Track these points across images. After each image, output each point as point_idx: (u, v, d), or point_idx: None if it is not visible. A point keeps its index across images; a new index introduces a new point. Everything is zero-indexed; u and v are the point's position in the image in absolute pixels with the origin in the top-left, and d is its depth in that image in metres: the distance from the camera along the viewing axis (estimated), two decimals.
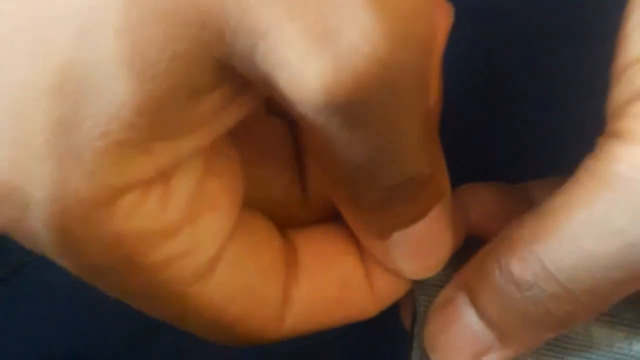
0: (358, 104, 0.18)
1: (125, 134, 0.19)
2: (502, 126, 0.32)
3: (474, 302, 0.24)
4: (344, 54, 0.17)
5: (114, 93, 0.18)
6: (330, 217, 0.26)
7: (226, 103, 0.20)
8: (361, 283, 0.25)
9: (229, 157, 0.23)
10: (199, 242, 0.22)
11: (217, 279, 0.22)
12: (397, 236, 0.24)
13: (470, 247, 0.25)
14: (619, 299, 0.23)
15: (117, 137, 0.19)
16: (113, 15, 0.17)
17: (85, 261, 0.21)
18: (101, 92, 0.18)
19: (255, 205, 0.24)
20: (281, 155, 0.25)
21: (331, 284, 0.25)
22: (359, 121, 0.19)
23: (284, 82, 0.18)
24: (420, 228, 0.23)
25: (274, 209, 0.25)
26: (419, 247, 0.24)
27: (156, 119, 0.19)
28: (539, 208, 0.23)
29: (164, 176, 0.21)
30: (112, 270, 0.21)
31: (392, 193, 0.22)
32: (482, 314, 0.24)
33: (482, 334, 0.24)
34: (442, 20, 0.22)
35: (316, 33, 0.17)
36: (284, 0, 0.17)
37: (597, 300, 0.22)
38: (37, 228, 0.20)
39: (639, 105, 0.21)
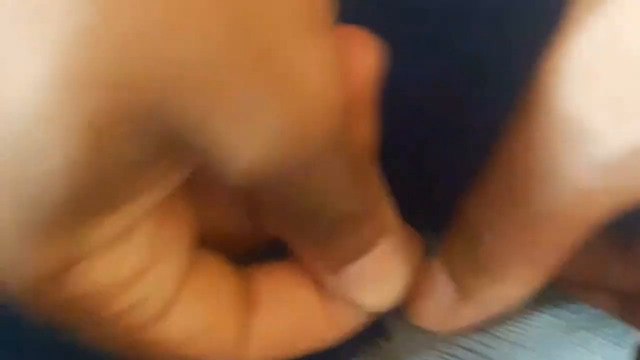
0: (279, 176, 0.20)
1: (68, 208, 0.19)
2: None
3: (443, 256, 0.25)
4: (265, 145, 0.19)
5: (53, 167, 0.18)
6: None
7: (171, 169, 0.21)
8: (319, 317, 0.26)
9: (184, 204, 0.24)
10: (155, 288, 0.22)
11: (173, 321, 0.23)
12: (350, 270, 0.24)
13: None
14: None
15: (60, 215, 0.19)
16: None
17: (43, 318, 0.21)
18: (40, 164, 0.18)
19: (209, 242, 0.25)
20: (227, 193, 0.26)
21: (290, 320, 0.25)
22: (286, 185, 0.20)
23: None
24: (370, 262, 0.24)
25: (226, 243, 0.25)
26: (371, 280, 0.24)
27: (100, 189, 0.19)
28: None
29: (118, 238, 0.21)
30: (71, 325, 0.22)
31: (332, 229, 0.22)
32: (446, 262, 0.25)
33: (444, 284, 0.25)
34: (366, 55, 0.23)
35: (240, 124, 0.19)
36: (223, 109, 0.18)
37: (528, 234, 0.23)
38: None
39: None
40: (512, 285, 0.24)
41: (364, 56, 0.23)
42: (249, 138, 0.19)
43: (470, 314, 0.25)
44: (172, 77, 0.18)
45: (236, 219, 0.26)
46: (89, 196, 0.19)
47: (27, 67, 0.17)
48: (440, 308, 0.25)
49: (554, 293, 0.26)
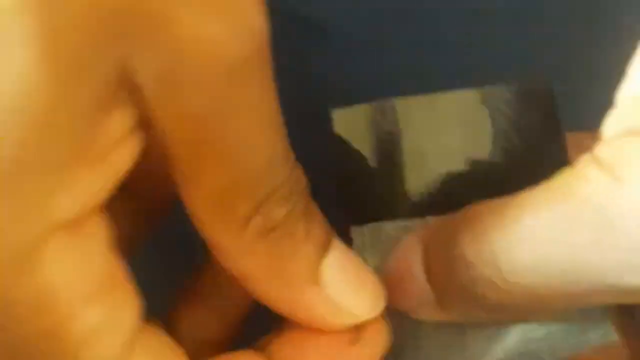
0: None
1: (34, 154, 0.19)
2: None
3: (426, 262, 0.25)
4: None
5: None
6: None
7: (124, 135, 0.21)
8: None
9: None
10: (116, 318, 0.21)
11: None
12: (328, 274, 0.23)
13: None
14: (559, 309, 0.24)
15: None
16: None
17: (8, 335, 0.20)
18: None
19: None
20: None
21: None
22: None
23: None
24: (337, 258, 0.24)
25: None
26: (354, 279, 0.24)
27: (63, 132, 0.19)
28: (509, 197, 0.23)
29: (78, 226, 0.20)
30: (35, 348, 0.20)
31: (271, 215, 0.22)
32: (429, 271, 0.25)
33: (424, 291, 0.25)
34: None
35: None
36: None
37: (530, 302, 0.23)
38: None
39: (628, 142, 0.22)
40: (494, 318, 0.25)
41: None
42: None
43: (444, 316, 0.25)
44: None
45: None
46: (49, 140, 0.19)
47: None
48: (417, 305, 0.25)
49: None
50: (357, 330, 0.24)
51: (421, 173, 0.26)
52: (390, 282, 0.25)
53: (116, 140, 0.21)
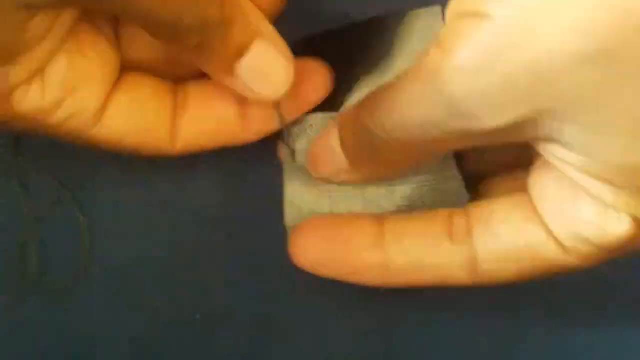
0: None
1: None
2: None
3: (340, 135, 0.33)
4: None
5: None
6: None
7: (56, 14, 0.29)
8: (235, 118, 0.34)
9: (97, 41, 0.32)
10: (81, 106, 0.32)
11: (107, 124, 0.32)
12: (240, 70, 0.32)
13: None
14: (426, 154, 0.32)
15: None
16: None
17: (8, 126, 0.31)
18: None
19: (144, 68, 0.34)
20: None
21: (210, 121, 0.34)
22: None
23: None
24: (252, 60, 0.32)
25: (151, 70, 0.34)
26: (259, 74, 0.32)
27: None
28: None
29: (39, 72, 0.30)
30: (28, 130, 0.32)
31: (204, 36, 0.30)
32: (342, 142, 0.33)
33: (339, 157, 0.34)
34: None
35: None
36: None
37: (405, 147, 0.30)
38: None
39: (456, 22, 0.27)
40: (391, 172, 0.34)
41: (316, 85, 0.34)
42: None
43: (357, 177, 0.34)
44: None
45: (155, 51, 0.34)
46: None
47: None
48: (335, 171, 0.34)
49: None
50: (245, 107, 0.34)
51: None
52: (314, 155, 0.35)
53: (43, 29, 0.29)
